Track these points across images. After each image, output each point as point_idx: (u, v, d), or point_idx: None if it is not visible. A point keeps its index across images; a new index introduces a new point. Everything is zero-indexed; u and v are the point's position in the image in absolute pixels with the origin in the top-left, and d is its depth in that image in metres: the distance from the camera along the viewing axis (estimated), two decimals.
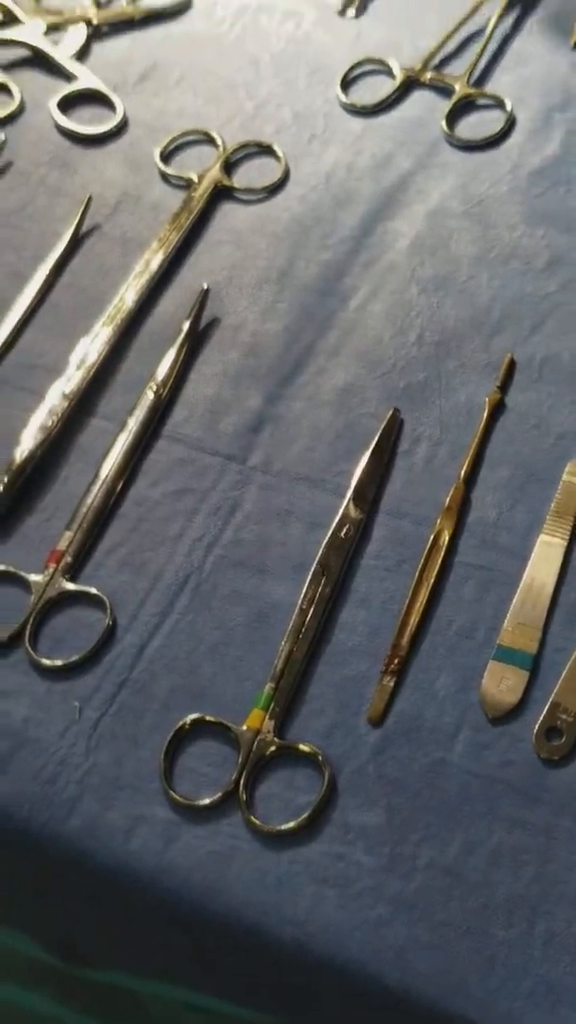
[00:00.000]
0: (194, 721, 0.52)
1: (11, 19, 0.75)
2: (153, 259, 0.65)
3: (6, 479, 0.58)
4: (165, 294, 0.65)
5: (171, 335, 0.63)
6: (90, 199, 0.67)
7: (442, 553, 0.55)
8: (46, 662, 0.53)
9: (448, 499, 0.56)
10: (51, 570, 0.56)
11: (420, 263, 0.65)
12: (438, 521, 0.56)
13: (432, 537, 0.55)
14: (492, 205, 0.67)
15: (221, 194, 0.68)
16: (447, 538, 0.55)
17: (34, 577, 0.55)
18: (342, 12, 0.76)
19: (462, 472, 0.57)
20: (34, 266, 0.66)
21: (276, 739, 0.51)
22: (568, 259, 0.64)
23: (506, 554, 0.55)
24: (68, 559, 0.56)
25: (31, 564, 0.56)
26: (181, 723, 0.52)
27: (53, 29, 0.75)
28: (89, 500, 0.58)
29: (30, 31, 0.75)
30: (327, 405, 0.60)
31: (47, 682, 0.53)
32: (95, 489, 0.58)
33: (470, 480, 0.57)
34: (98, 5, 0.76)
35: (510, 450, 0.58)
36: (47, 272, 0.66)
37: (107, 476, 0.58)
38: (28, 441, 0.59)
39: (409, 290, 0.64)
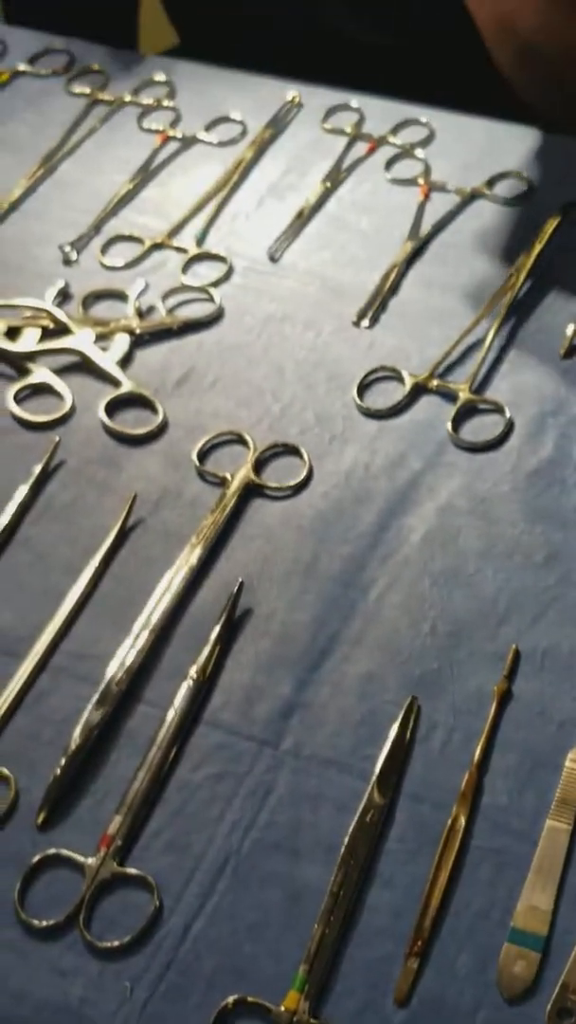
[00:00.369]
0: (236, 1001, 0.56)
1: (63, 329, 0.85)
2: (192, 553, 0.73)
3: (61, 764, 0.64)
4: (204, 585, 0.72)
5: (209, 624, 0.70)
6: (135, 496, 0.75)
7: (459, 838, 0.61)
8: (99, 944, 0.58)
9: (463, 784, 0.62)
10: (102, 854, 0.61)
11: (431, 557, 0.73)
12: (454, 807, 0.62)
13: (449, 823, 0.61)
14: (495, 503, 0.75)
15: (252, 491, 0.76)
16: (463, 823, 0.61)
17: (87, 860, 0.61)
18: (357, 323, 0.85)
19: (475, 759, 0.63)
20: (85, 559, 0.74)
21: (311, 1019, 0.56)
22: (564, 554, 0.72)
23: (517, 838, 0.61)
24: (118, 842, 0.61)
25: (84, 846, 0.62)
26: (224, 1003, 0.56)
27: (100, 338, 0.85)
28: (137, 784, 0.64)
29: (80, 340, 0.84)
30: (351, 692, 0.67)
31: (100, 962, 0.58)
32: (142, 774, 0.64)
33: (482, 766, 0.63)
34: (140, 315, 0.86)
35: (518, 737, 0.64)
36: (97, 564, 0.73)
37: (153, 761, 0.64)
38: (81, 727, 0.66)
39: (422, 582, 0.71)
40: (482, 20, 0.94)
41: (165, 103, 1.02)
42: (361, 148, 0.97)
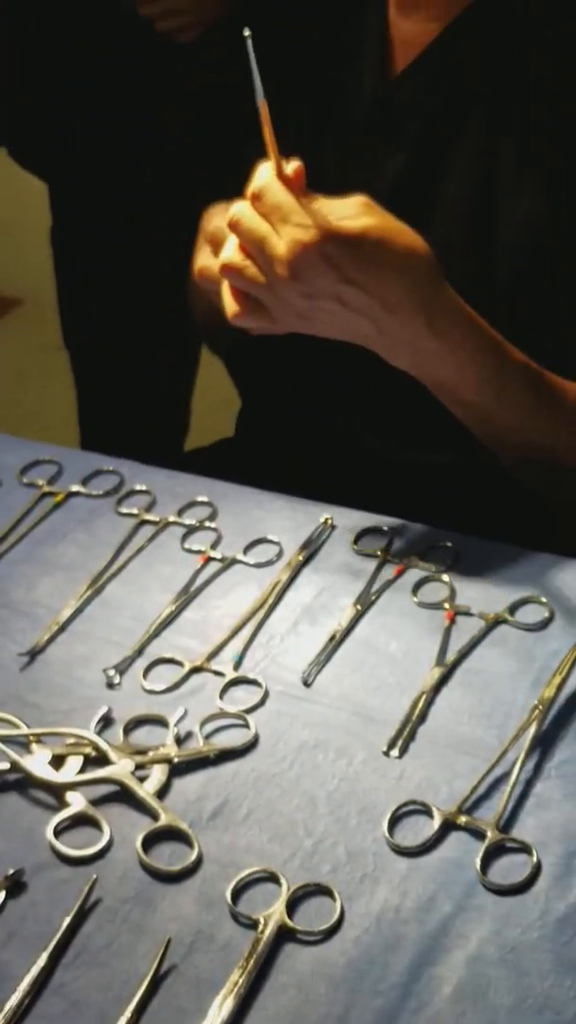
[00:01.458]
0: None
1: (104, 757, 0.88)
2: (224, 1006, 0.73)
3: None
4: None
5: None
6: (169, 941, 0.77)
7: None
8: None
9: None
10: None
11: (462, 1012, 0.72)
12: None
13: None
14: (524, 952, 0.75)
15: (284, 935, 0.78)
16: None
17: None
18: (387, 752, 0.88)
19: None
20: (118, 1007, 0.74)
21: None
22: None
23: None
24: None
25: None
26: None
27: (140, 767, 0.88)
28: None
29: (120, 769, 0.88)
30: None
31: None
32: None
33: None
34: (178, 743, 0.90)
35: None
36: (129, 1015, 0.74)
37: None
38: None
39: None
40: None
41: (207, 524, 1.10)
42: (390, 570, 1.03)
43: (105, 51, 1.52)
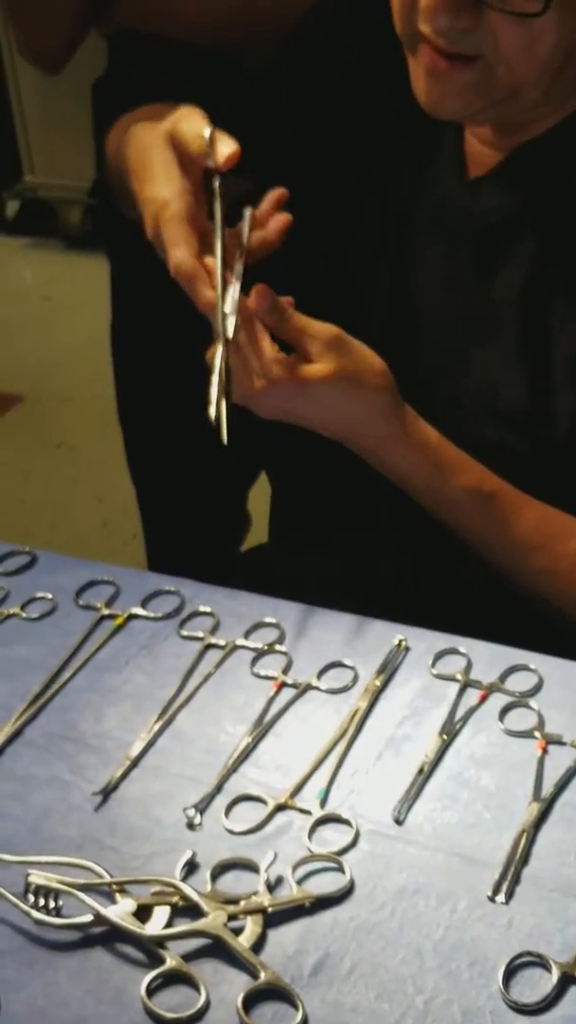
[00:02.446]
0: None
1: (193, 907, 0.84)
2: None
3: None
4: None
5: None
6: None
7: None
8: None
9: None
10: None
11: None
12: None
13: None
14: None
15: None
16: None
17: None
18: (492, 897, 0.84)
19: None
20: None
21: None
22: None
23: None
24: None
25: None
26: None
27: (232, 917, 0.83)
28: None
29: (212, 922, 0.83)
30: None
31: None
32: None
33: None
34: (270, 889, 0.85)
35: None
36: None
37: None
38: None
39: None
40: None
41: (277, 647, 1.06)
42: (473, 695, 1.00)
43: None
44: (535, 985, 0.78)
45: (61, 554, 1.19)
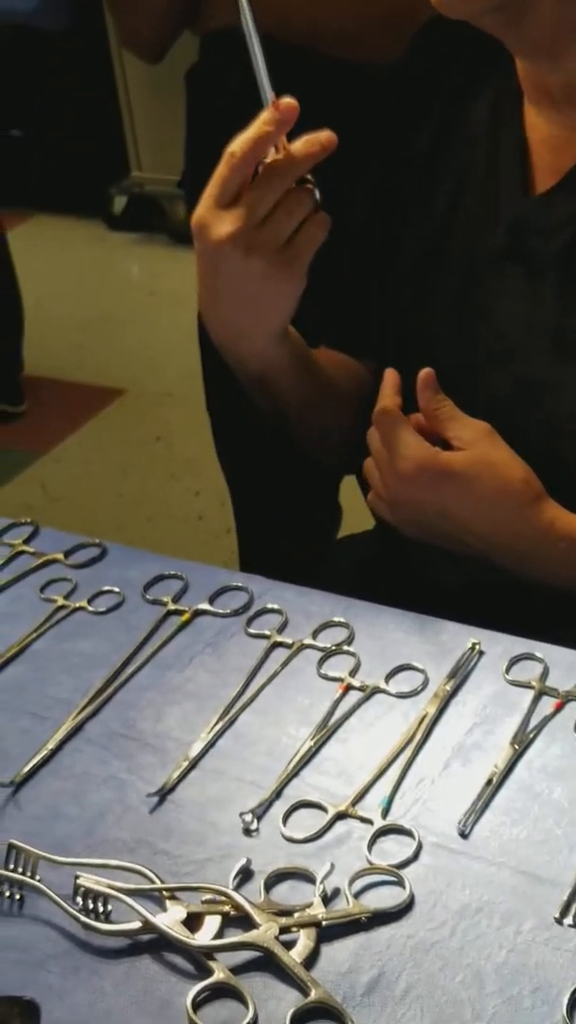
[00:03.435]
0: None
1: (245, 917, 0.80)
2: None
3: None
4: None
5: None
6: None
7: None
8: None
9: None
10: None
11: None
12: None
13: None
14: None
15: None
16: None
17: None
18: (559, 920, 0.79)
19: None
20: None
21: None
22: None
23: None
24: None
25: None
26: None
27: (284, 930, 0.80)
28: None
29: (264, 934, 0.79)
30: None
31: None
32: None
33: None
34: (325, 902, 0.81)
35: None
36: None
37: None
38: None
39: None
40: None
41: (345, 647, 1.02)
42: (548, 704, 0.95)
43: None
44: None
45: (147, 550, 1.17)
